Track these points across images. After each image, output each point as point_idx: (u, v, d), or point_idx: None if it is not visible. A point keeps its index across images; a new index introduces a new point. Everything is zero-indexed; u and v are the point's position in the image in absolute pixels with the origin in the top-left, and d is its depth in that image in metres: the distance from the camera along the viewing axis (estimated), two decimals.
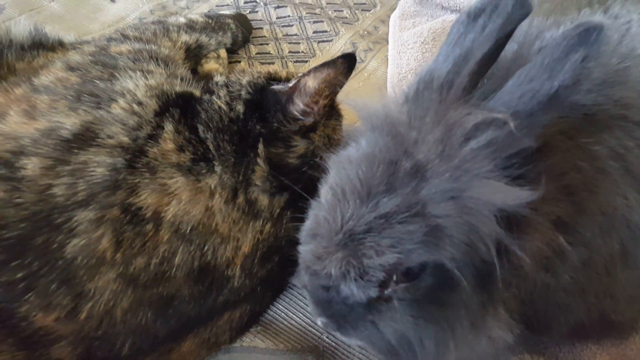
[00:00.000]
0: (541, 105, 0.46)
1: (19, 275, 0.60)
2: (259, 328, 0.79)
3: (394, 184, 0.49)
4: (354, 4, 1.56)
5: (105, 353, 0.66)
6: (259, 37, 1.38)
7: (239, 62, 1.28)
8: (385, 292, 0.52)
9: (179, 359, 0.72)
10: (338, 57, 0.76)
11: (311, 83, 0.76)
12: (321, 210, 0.53)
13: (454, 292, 0.52)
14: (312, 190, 0.79)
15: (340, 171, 0.53)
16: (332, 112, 0.85)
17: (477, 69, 0.52)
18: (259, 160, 0.74)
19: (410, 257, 0.49)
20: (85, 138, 0.67)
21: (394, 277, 0.51)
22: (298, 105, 0.77)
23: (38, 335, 0.62)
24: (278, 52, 1.34)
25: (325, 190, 0.54)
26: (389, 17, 1.47)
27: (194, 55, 1.11)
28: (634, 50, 0.67)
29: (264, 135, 0.76)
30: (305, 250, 0.55)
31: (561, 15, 0.73)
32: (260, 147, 0.75)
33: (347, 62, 0.76)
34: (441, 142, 0.48)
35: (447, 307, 0.53)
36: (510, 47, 0.63)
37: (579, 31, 0.45)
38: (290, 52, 1.34)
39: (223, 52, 1.22)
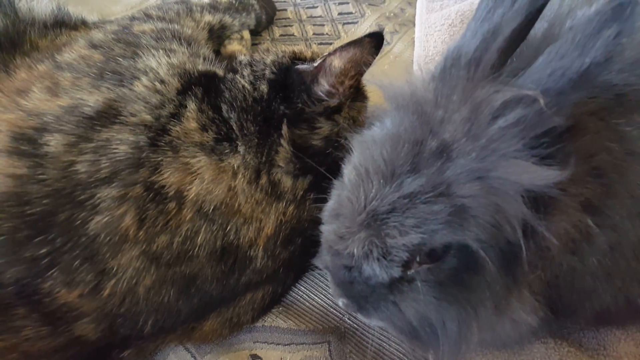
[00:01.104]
0: (572, 83, 0.44)
1: (43, 251, 0.60)
2: (280, 309, 0.78)
3: (419, 164, 0.48)
4: None
5: (128, 330, 0.66)
6: (283, 18, 1.35)
7: (262, 44, 1.26)
8: (408, 272, 0.51)
9: (201, 338, 0.73)
10: (365, 36, 0.73)
11: (337, 63, 0.74)
12: (344, 190, 0.53)
13: (478, 274, 0.51)
14: (336, 172, 0.78)
15: (364, 151, 0.52)
16: (357, 93, 0.83)
17: (507, 46, 0.50)
18: (282, 141, 0.72)
19: (435, 238, 0.48)
20: (107, 115, 0.66)
21: (417, 258, 0.50)
22: (323, 86, 0.75)
23: (62, 312, 0.62)
24: (302, 34, 1.32)
25: (348, 170, 0.54)
26: None
27: (217, 36, 1.10)
28: None
29: (287, 116, 0.74)
30: (327, 230, 0.55)
31: None
32: (284, 128, 0.73)
33: (375, 41, 0.74)
34: (468, 120, 0.47)
35: (470, 289, 0.52)
36: (541, 25, 0.60)
37: (613, 5, 0.43)
38: (314, 34, 1.31)
39: (246, 34, 1.20)
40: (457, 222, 0.47)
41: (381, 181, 0.49)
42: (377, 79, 0.56)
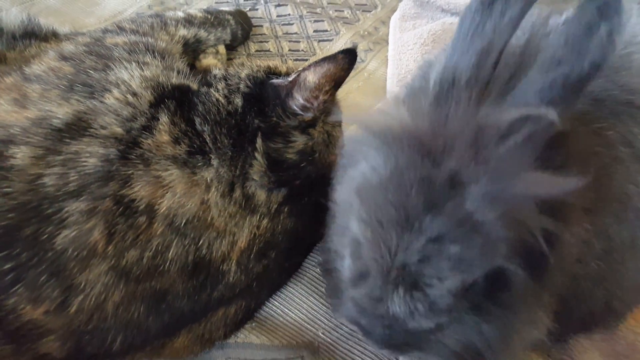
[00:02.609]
0: (575, 90, 0.43)
1: (7, 266, 0.58)
2: (254, 324, 0.77)
3: (434, 201, 0.44)
4: (355, 4, 1.55)
5: (95, 348, 0.64)
6: (259, 34, 1.36)
7: (238, 58, 1.26)
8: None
9: (172, 355, 0.71)
10: (339, 52, 0.74)
11: (311, 78, 0.74)
12: (363, 249, 0.49)
13: (510, 289, 0.49)
14: (310, 186, 0.78)
15: (366, 201, 0.48)
16: (332, 108, 0.83)
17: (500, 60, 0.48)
18: (257, 154, 0.72)
19: (473, 272, 0.45)
20: (77, 128, 0.65)
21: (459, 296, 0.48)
22: (298, 100, 0.75)
23: (26, 329, 0.60)
24: (278, 50, 1.33)
25: (357, 227, 0.49)
26: (390, 18, 1.46)
27: (192, 50, 1.10)
28: (636, 36, 0.67)
29: (262, 129, 0.74)
30: (358, 295, 0.50)
31: (563, 3, 0.73)
32: (259, 141, 0.73)
33: (348, 58, 0.75)
34: (474, 145, 0.44)
35: (505, 304, 0.50)
36: (521, 36, 0.62)
37: (598, 4, 0.42)
38: (290, 50, 1.33)
39: (222, 48, 1.21)
40: (489, 250, 0.45)
41: (399, 230, 0.45)
42: (355, 114, 0.53)
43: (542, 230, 0.45)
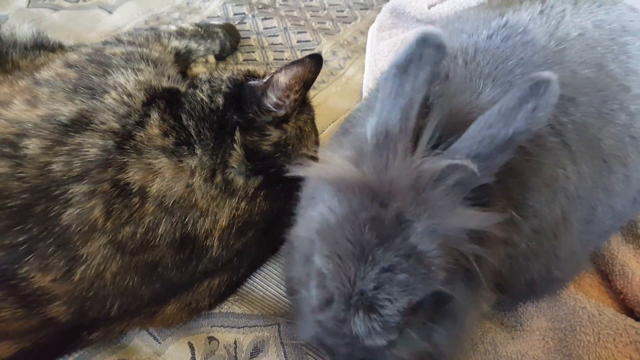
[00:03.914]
0: (499, 149, 0.52)
1: (21, 239, 0.68)
2: (236, 297, 0.88)
3: (384, 236, 0.53)
4: (337, 16, 1.67)
5: (95, 313, 0.74)
6: (247, 45, 1.49)
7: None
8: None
9: (163, 322, 0.81)
10: (306, 57, 0.85)
11: (282, 79, 0.85)
12: (327, 279, 0.56)
13: (452, 301, 0.58)
14: (284, 174, 0.89)
15: (326, 239, 0.56)
16: (303, 106, 0.95)
17: (422, 112, 0.57)
18: (235, 146, 0.83)
19: (417, 294, 0.54)
20: (80, 123, 0.76)
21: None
22: (271, 99, 0.87)
23: (36, 295, 0.70)
24: (263, 59, 1.45)
25: (320, 261, 0.57)
26: (368, 29, 1.58)
27: (184, 59, 1.22)
28: (569, 34, 0.77)
29: (240, 124, 0.85)
30: (324, 318, 0.58)
31: (506, 7, 0.84)
32: (237, 134, 0.84)
33: (314, 61, 0.86)
34: (414, 188, 0.53)
35: (450, 313, 0.60)
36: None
37: (530, 84, 0.50)
38: (275, 59, 1.45)
39: (211, 58, 1.32)
40: (430, 275, 0.54)
41: (356, 262, 0.53)
42: (307, 166, 0.60)
43: (472, 254, 0.56)
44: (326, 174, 0.58)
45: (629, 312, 0.89)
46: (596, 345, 0.72)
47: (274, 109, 0.87)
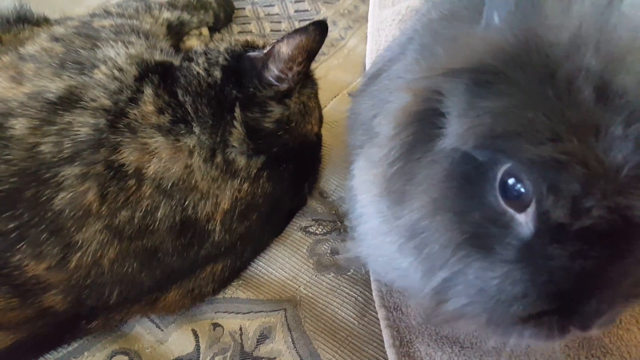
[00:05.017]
0: None
1: (11, 225, 0.64)
2: (240, 282, 0.84)
3: None
4: None
5: (94, 301, 0.71)
6: (241, 16, 1.42)
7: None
8: None
9: (165, 309, 0.78)
10: (310, 24, 0.80)
11: (285, 49, 0.80)
12: None
13: None
14: (288, 153, 0.84)
15: None
16: (307, 80, 0.89)
17: None
18: (235, 123, 0.78)
19: None
20: (69, 101, 0.71)
21: None
22: (273, 72, 0.81)
23: (30, 284, 0.66)
24: (260, 30, 1.38)
25: None
26: None
27: (176, 32, 1.15)
28: None
29: (240, 99, 0.80)
30: None
31: None
32: (237, 111, 0.79)
33: (319, 29, 0.80)
34: None
35: None
36: None
37: None
38: (271, 30, 1.38)
39: (205, 30, 1.26)
40: None
41: None
42: None
43: None
44: None
45: None
46: (618, 327, 0.69)
47: (276, 83, 0.82)
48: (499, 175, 0.41)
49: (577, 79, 0.38)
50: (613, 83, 0.37)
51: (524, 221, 0.41)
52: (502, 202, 0.41)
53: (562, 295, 0.40)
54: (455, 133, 0.42)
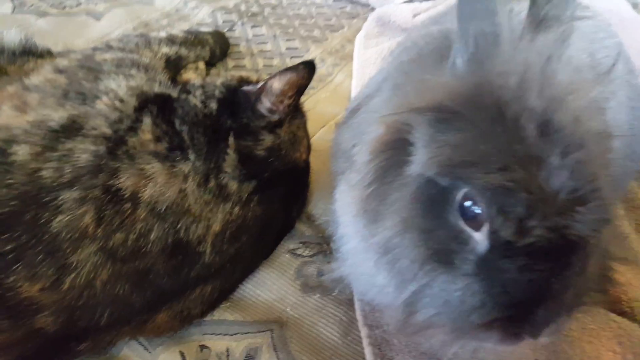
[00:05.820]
0: None
1: (9, 247, 0.66)
2: (228, 304, 0.86)
3: None
4: (324, 25, 1.68)
5: (85, 322, 0.72)
6: (236, 52, 1.49)
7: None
8: None
9: (154, 331, 0.79)
10: (299, 64, 0.86)
11: (277, 85, 0.85)
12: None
13: None
14: (277, 179, 0.89)
15: None
16: (296, 111, 0.95)
17: None
18: (229, 150, 0.83)
19: None
20: (71, 129, 0.75)
21: None
22: (265, 104, 0.86)
23: (23, 305, 0.68)
24: (253, 65, 1.45)
25: None
26: (355, 37, 1.59)
27: (174, 65, 1.21)
28: None
29: (234, 129, 0.85)
30: None
31: None
32: (231, 139, 0.84)
33: (308, 68, 0.86)
34: None
35: None
36: None
37: None
38: (264, 65, 1.45)
39: (202, 65, 1.32)
40: None
41: None
42: None
43: None
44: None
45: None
46: (581, 340, 0.73)
47: (268, 114, 0.87)
48: (458, 198, 0.47)
49: (523, 117, 0.44)
50: (553, 120, 0.44)
51: (480, 239, 0.46)
52: (461, 221, 0.47)
53: (515, 305, 0.45)
54: (421, 161, 0.48)
